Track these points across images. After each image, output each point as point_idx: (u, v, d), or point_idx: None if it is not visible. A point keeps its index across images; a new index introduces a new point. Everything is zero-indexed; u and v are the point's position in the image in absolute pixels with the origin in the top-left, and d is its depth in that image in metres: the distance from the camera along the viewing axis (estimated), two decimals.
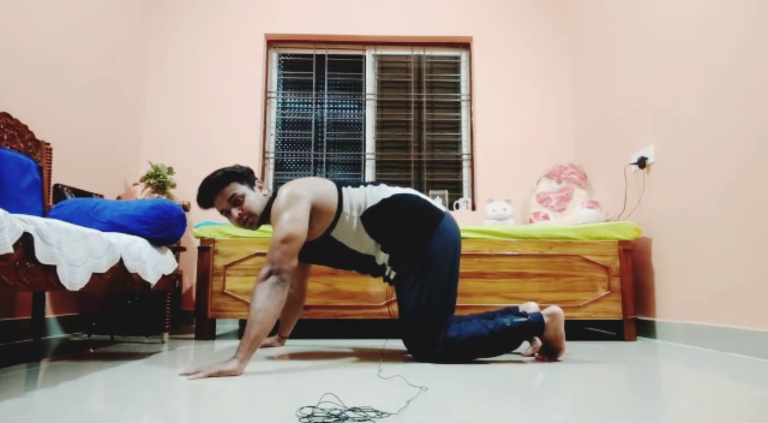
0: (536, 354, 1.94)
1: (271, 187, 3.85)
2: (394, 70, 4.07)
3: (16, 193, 2.17)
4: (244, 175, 1.86)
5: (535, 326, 1.82)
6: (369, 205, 1.84)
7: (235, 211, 1.82)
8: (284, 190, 1.77)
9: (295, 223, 1.70)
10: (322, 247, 1.90)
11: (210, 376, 1.49)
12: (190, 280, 3.50)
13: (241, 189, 1.82)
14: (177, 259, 3.07)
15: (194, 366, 1.58)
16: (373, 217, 1.84)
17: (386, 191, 1.89)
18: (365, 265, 1.96)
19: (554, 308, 1.86)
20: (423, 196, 1.95)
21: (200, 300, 2.58)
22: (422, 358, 1.83)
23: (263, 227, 2.63)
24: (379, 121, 3.99)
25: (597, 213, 3.04)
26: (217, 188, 1.82)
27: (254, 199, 1.84)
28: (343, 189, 1.86)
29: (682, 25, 2.48)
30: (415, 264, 1.84)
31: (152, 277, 2.18)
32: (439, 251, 1.85)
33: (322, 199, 1.80)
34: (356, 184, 1.91)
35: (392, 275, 1.91)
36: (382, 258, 1.89)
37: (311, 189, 1.79)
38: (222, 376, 1.49)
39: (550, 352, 1.89)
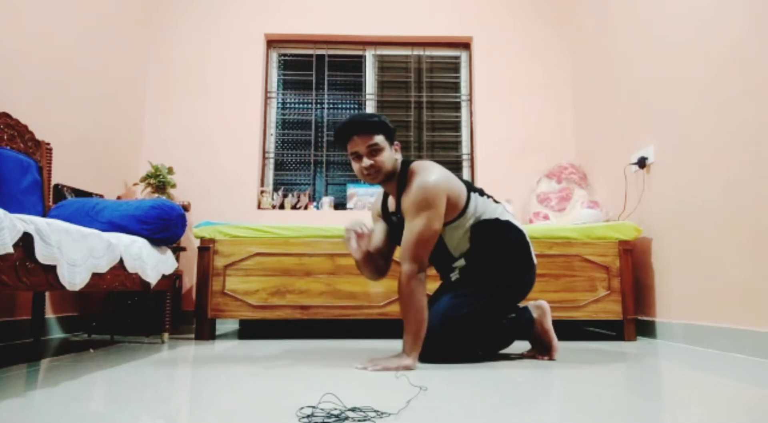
0: (532, 351, 1.96)
1: (271, 187, 3.85)
2: (394, 70, 4.07)
3: (16, 193, 2.17)
4: (391, 132, 1.81)
5: (525, 320, 1.89)
6: (485, 217, 1.84)
7: (367, 161, 1.76)
8: (428, 176, 1.74)
9: (439, 221, 1.73)
10: None
11: (389, 369, 1.59)
12: (190, 280, 3.50)
13: (384, 143, 1.78)
14: (177, 259, 3.08)
15: (368, 359, 1.67)
16: (483, 229, 1.84)
17: (503, 214, 1.89)
18: (442, 261, 1.94)
19: (540, 302, 1.94)
20: (528, 238, 1.95)
21: (200, 300, 2.58)
22: (427, 352, 1.78)
23: (262, 226, 2.65)
24: None
25: (597, 213, 3.04)
26: (365, 131, 1.75)
27: (389, 157, 1.79)
28: (472, 194, 1.86)
29: (682, 27, 2.48)
30: (487, 284, 1.84)
31: (152, 277, 2.18)
32: (512, 290, 1.88)
33: (454, 197, 1.79)
34: (481, 193, 1.91)
35: (454, 278, 1.91)
36: (461, 262, 1.88)
37: (449, 184, 1.78)
38: (400, 369, 1.60)
39: (542, 348, 1.92)
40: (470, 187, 1.88)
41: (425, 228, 1.70)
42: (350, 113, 4.02)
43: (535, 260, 1.93)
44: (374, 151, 1.76)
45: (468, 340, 1.83)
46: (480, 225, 1.83)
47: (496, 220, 1.85)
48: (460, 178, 1.90)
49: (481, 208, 1.85)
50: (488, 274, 1.84)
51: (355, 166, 1.81)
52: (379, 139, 1.76)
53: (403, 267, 1.71)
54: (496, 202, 1.93)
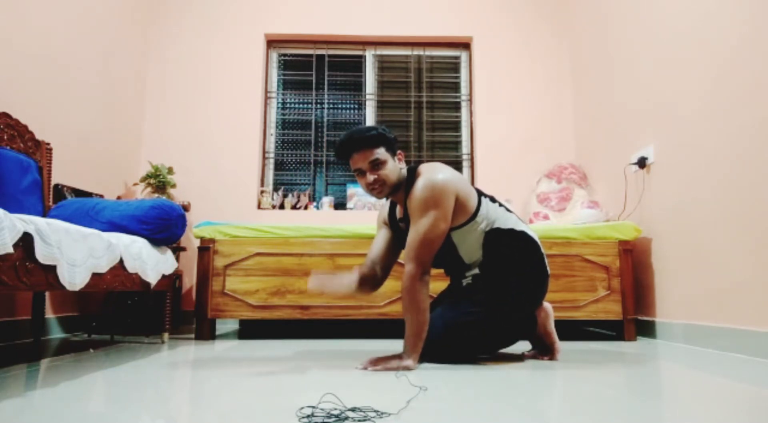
0: (533, 351, 1.96)
1: (271, 187, 3.85)
2: (394, 70, 4.07)
3: (16, 193, 2.17)
4: (391, 143, 1.78)
5: (528, 321, 1.88)
6: (497, 225, 1.81)
7: (371, 176, 1.73)
8: (436, 175, 1.72)
9: (445, 222, 1.70)
10: None
11: (390, 369, 1.59)
12: (190, 280, 3.50)
13: (385, 155, 1.74)
14: (177, 259, 3.08)
15: (368, 359, 1.66)
16: (496, 238, 1.80)
17: (517, 224, 1.85)
18: (453, 266, 1.91)
19: (544, 304, 1.92)
20: (543, 249, 1.91)
21: (200, 300, 2.58)
22: (429, 353, 1.78)
23: (262, 226, 2.64)
24: (379, 121, 3.99)
25: (597, 213, 3.04)
26: (365, 146, 1.72)
27: (393, 168, 1.76)
28: (483, 198, 1.83)
29: (682, 27, 2.48)
30: (500, 293, 1.80)
31: (152, 277, 2.18)
32: (524, 300, 1.83)
33: (463, 198, 1.76)
34: (492, 199, 1.88)
35: (465, 283, 1.88)
36: (474, 270, 1.85)
37: (458, 184, 1.75)
38: (400, 370, 1.59)
39: (544, 350, 1.91)
40: (480, 192, 1.86)
41: (431, 228, 1.68)
42: (350, 113, 4.03)
43: (549, 270, 1.90)
44: (377, 165, 1.73)
45: (471, 345, 1.82)
46: (493, 233, 1.80)
47: (511, 231, 1.82)
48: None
49: (493, 215, 1.81)
50: (501, 284, 1.80)
51: (360, 182, 1.78)
52: (380, 152, 1.73)
53: (407, 268, 1.68)
54: (508, 211, 1.89)
